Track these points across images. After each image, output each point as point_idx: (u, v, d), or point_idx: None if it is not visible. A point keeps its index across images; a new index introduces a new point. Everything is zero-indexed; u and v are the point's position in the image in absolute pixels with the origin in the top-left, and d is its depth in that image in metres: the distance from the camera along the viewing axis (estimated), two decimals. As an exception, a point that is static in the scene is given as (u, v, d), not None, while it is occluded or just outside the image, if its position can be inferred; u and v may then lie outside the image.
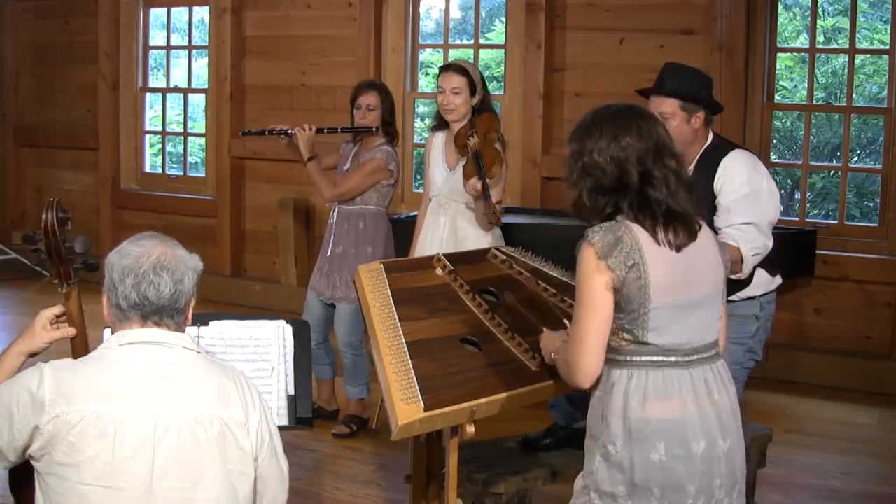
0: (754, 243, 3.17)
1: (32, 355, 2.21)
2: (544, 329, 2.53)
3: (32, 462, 1.94)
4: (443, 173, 4.21)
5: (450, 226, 4.14)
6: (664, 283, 2.16)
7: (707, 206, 3.18)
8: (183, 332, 2.05)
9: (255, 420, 2.04)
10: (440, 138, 4.28)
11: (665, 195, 2.19)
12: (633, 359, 2.20)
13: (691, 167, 3.23)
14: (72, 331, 2.25)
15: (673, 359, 2.20)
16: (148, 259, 1.98)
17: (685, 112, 3.26)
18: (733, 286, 3.11)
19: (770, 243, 3.24)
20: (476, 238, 4.04)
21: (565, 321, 2.62)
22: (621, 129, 2.22)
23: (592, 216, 2.25)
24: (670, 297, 2.17)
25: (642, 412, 2.17)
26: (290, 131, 4.55)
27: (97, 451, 1.88)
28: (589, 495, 2.24)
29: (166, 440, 1.91)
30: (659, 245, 2.18)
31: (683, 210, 2.21)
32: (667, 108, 3.24)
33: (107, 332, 2.41)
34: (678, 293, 2.18)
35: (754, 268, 3.26)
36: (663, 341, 2.19)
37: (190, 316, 2.08)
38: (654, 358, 2.19)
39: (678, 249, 2.20)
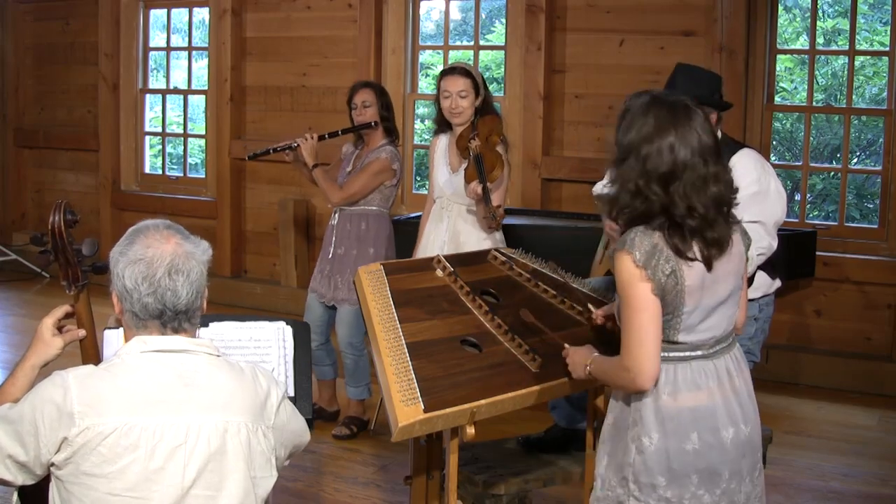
0: (760, 243, 3.19)
1: (45, 364, 2.18)
2: (567, 346, 2.54)
3: (53, 470, 1.91)
4: (445, 175, 4.21)
5: (451, 229, 4.13)
6: (696, 287, 2.22)
7: None
8: (197, 331, 2.04)
9: (275, 400, 2.06)
10: (443, 140, 4.27)
11: (700, 226, 2.20)
12: (662, 355, 2.25)
13: None
14: (82, 332, 2.23)
15: (700, 352, 2.28)
16: (161, 262, 1.94)
17: None
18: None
19: (775, 244, 3.25)
20: (476, 241, 4.04)
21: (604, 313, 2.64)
22: (684, 138, 2.19)
23: (621, 213, 2.25)
24: (700, 300, 2.23)
25: (674, 402, 2.25)
26: (293, 144, 4.55)
27: (128, 462, 1.86)
28: (628, 486, 2.29)
29: (198, 450, 1.90)
30: (690, 262, 2.20)
31: (719, 236, 2.23)
32: None
33: (107, 333, 2.41)
34: (707, 296, 2.24)
35: (756, 269, 3.27)
36: (692, 339, 2.27)
37: (205, 306, 2.05)
38: (683, 354, 2.27)
39: (710, 266, 2.22)
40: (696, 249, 2.21)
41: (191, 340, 1.99)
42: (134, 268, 1.94)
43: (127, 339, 2.01)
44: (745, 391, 2.35)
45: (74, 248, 2.23)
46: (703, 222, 2.20)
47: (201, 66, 8.28)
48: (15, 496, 2.08)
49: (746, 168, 3.24)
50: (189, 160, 8.12)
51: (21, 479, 1.94)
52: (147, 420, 1.88)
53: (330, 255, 4.58)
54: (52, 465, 1.90)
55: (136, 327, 1.98)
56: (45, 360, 2.16)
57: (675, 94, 3.24)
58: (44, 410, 1.87)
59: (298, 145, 4.51)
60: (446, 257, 3.00)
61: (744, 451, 2.30)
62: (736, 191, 2.31)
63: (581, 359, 2.45)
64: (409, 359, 2.47)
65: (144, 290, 1.93)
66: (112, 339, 2.40)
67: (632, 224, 2.25)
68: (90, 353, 2.24)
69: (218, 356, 2.03)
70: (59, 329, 2.21)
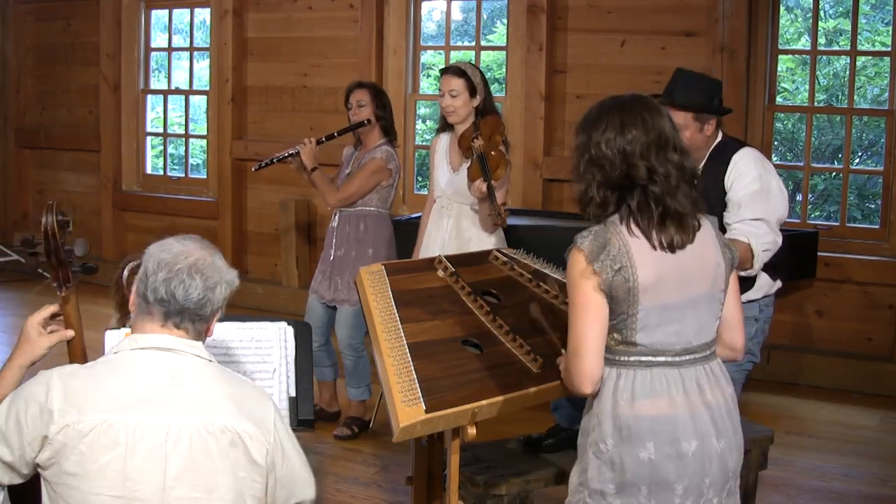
0: (764, 239, 3.21)
1: (31, 363, 2.18)
2: (564, 351, 2.52)
3: (40, 471, 1.92)
4: (447, 175, 4.21)
5: (453, 228, 4.13)
6: (653, 285, 2.17)
7: (717, 201, 3.21)
8: (200, 340, 2.02)
9: (270, 430, 2.00)
10: (444, 140, 4.28)
11: (664, 191, 2.18)
12: (622, 358, 2.22)
13: (701, 164, 3.28)
14: (70, 333, 2.23)
15: (662, 359, 2.22)
16: (186, 259, 1.97)
17: (698, 122, 3.31)
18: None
19: (779, 240, 3.27)
20: (480, 240, 4.04)
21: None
22: (627, 120, 2.20)
23: (599, 212, 2.23)
24: (660, 299, 2.18)
25: (631, 410, 2.19)
26: (294, 151, 4.58)
27: (108, 460, 1.86)
28: (583, 491, 2.26)
29: (178, 449, 1.89)
30: (654, 249, 2.18)
31: (681, 209, 2.20)
32: (679, 119, 3.24)
33: (108, 333, 2.42)
34: (669, 294, 2.19)
35: (760, 268, 3.28)
36: (651, 341, 2.20)
37: (213, 329, 2.05)
38: (643, 358, 2.21)
39: (673, 250, 2.19)
40: (659, 234, 2.17)
41: (181, 340, 1.99)
42: (160, 254, 1.99)
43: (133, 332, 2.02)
44: (722, 407, 2.25)
45: (66, 249, 2.24)
46: (666, 186, 2.17)
47: (202, 66, 8.28)
48: (2, 495, 2.08)
49: (747, 166, 3.26)
50: (190, 161, 8.12)
51: (7, 479, 1.95)
52: (127, 417, 1.88)
53: (331, 258, 4.59)
54: (39, 466, 1.91)
55: (140, 313, 2.00)
56: (32, 359, 2.17)
57: (670, 101, 3.27)
58: (27, 409, 1.88)
59: (299, 151, 4.54)
60: (447, 258, 3.01)
61: (707, 466, 2.20)
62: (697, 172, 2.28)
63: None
64: (410, 359, 2.47)
65: (161, 276, 1.96)
66: (113, 339, 2.40)
67: (602, 209, 2.22)
68: (77, 354, 2.24)
69: (210, 360, 2.02)
70: (45, 329, 2.21)
